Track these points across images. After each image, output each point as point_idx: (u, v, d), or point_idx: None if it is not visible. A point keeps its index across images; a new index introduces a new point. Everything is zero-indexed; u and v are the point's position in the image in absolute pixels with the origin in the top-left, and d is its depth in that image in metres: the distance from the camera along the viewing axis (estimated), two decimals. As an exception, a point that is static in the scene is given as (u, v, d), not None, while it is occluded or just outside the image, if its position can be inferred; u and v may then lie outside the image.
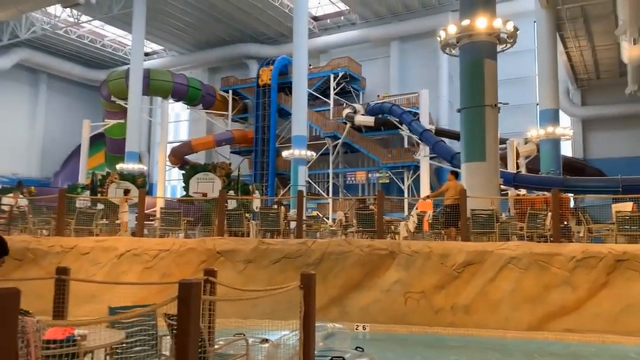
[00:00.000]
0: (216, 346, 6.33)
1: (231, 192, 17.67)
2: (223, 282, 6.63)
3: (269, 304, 10.42)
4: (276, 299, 8.88)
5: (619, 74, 32.32)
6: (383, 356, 8.15)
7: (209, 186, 17.09)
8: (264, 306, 10.50)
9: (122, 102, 36.57)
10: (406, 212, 29.02)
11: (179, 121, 49.72)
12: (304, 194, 25.96)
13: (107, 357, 5.11)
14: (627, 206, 12.16)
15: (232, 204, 16.90)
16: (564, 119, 32.49)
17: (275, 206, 14.14)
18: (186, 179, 18.16)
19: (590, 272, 10.70)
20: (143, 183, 19.77)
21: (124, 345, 5.24)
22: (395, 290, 11.61)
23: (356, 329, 11.38)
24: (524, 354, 9.70)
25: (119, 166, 32.28)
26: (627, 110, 33.02)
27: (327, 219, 30.33)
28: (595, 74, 33.96)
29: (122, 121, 36.99)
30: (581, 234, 13.20)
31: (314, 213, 33.07)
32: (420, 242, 12.35)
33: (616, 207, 12.21)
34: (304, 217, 20.15)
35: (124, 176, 20.50)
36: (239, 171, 19.69)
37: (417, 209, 15.75)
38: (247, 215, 14.96)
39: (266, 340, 7.04)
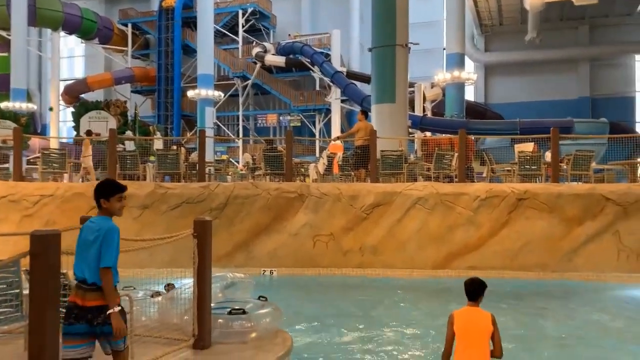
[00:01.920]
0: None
1: (129, 133, 16.27)
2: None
3: (168, 252, 9.67)
4: (176, 247, 8.12)
5: (520, 21, 33.38)
6: (288, 303, 7.79)
7: (102, 126, 15.54)
8: (163, 255, 9.75)
9: (4, 33, 32.58)
10: (317, 156, 28.80)
11: (73, 57, 45.52)
12: (210, 135, 24.83)
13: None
14: (529, 146, 12.51)
15: (131, 146, 15.58)
16: (468, 65, 33.25)
17: (175, 147, 13.05)
18: (76, 118, 16.45)
19: (492, 211, 10.94)
20: (27, 123, 17.69)
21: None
22: (304, 233, 11.30)
23: (263, 274, 11.02)
24: (427, 292, 9.84)
25: (3, 104, 28.97)
26: (526, 57, 34.41)
27: (238, 162, 29.43)
28: (499, 20, 34.86)
29: (5, 54, 33.07)
30: (484, 175, 13.51)
31: (224, 157, 31.99)
32: (329, 185, 12.03)
33: (518, 147, 12.52)
34: (212, 161, 19.21)
35: (4, 114, 18.23)
36: (135, 110, 18.09)
37: (327, 150, 15.38)
38: (152, 157, 13.82)
39: (158, 294, 6.39)
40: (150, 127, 19.50)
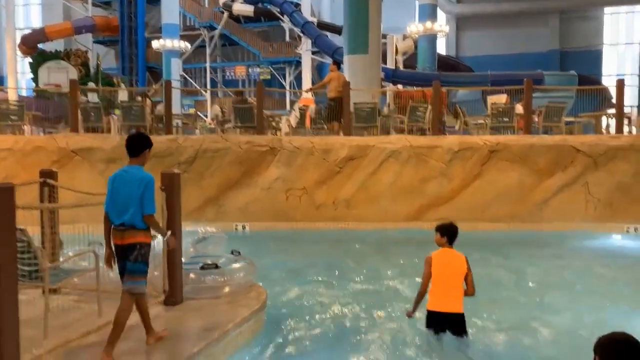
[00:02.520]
0: (61, 260, 5.35)
1: (91, 85, 15.53)
2: (66, 185, 5.53)
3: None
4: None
5: (494, -30, 32.89)
6: (262, 257, 7.68)
7: (63, 77, 14.74)
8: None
9: (-50, -22, 30.39)
10: (288, 109, 28.32)
11: (29, 4, 43.01)
12: (175, 87, 24.09)
13: None
14: (502, 98, 12.44)
15: (94, 98, 14.88)
16: (440, 16, 32.77)
17: (139, 98, 12.48)
18: (34, 69, 15.56)
19: (465, 163, 10.93)
20: (-19, 74, 16.68)
21: None
22: (276, 187, 11.13)
23: (235, 229, 10.88)
24: (400, 244, 9.87)
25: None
26: (498, 8, 34.11)
27: (206, 117, 28.77)
28: (472, -30, 34.30)
29: (-47, 1, 30.93)
30: (456, 128, 13.45)
31: (191, 111, 31.20)
32: (302, 138, 11.80)
33: (492, 99, 12.44)
34: (180, 115, 18.63)
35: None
36: (98, 60, 17.22)
37: (299, 103, 15.05)
38: (117, 111, 13.22)
39: (127, 249, 6.17)
40: (114, 79, 18.67)
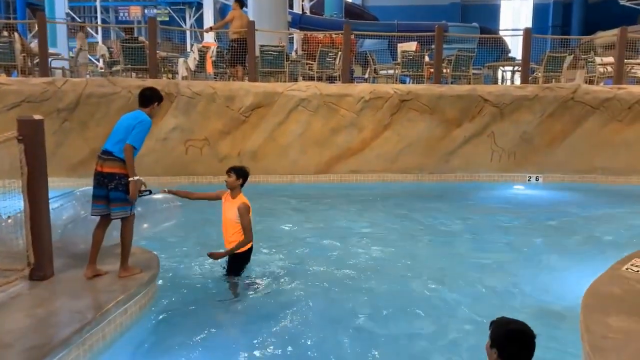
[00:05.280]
0: None
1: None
2: None
3: (7, 159, 8.08)
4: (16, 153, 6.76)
5: None
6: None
7: None
8: (2, 163, 8.11)
9: None
10: (189, 50, 26.50)
11: None
12: (51, 21, 21.61)
13: None
14: (412, 46, 12.09)
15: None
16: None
17: (6, 33, 10.56)
18: None
19: (375, 113, 10.56)
20: None
21: None
22: (174, 138, 10.15)
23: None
24: (308, 198, 9.46)
25: None
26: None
27: (98, 60, 26.22)
28: None
29: None
30: (366, 76, 13.05)
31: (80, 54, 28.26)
32: (202, 83, 10.77)
33: (401, 46, 12.06)
34: (66, 58, 16.54)
35: None
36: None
37: (199, 44, 13.79)
38: None
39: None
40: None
